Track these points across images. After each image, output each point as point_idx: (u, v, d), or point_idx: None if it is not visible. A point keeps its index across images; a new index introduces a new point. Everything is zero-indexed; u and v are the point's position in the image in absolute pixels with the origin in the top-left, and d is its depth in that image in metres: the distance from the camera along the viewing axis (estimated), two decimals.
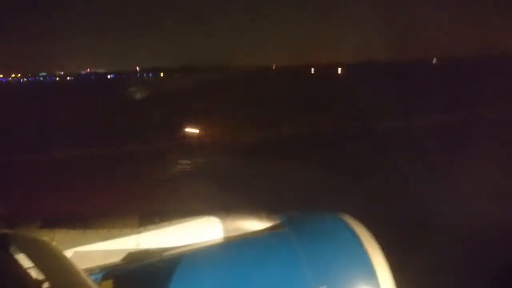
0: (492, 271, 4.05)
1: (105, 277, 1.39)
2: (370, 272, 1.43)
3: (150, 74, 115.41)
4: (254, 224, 1.64)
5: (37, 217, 1.52)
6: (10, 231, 1.26)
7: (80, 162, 9.65)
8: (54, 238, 1.42)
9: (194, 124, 13.97)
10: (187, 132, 12.80)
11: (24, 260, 1.18)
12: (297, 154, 9.44)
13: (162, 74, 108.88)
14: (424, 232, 4.75)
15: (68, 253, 1.40)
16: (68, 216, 1.57)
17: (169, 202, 5.61)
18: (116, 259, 1.48)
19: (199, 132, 12.96)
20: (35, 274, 1.24)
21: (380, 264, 1.45)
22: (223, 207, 1.70)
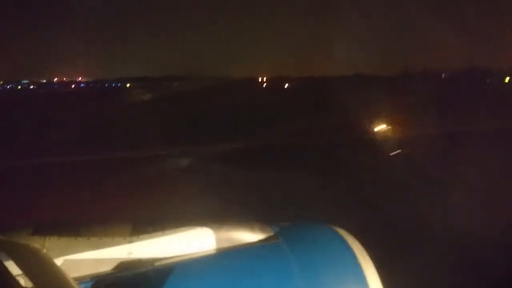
0: (486, 281, 4.09)
1: (95, 286, 1.37)
2: (362, 285, 1.43)
3: (119, 84, 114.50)
4: (248, 235, 1.63)
5: (28, 223, 1.50)
6: None
7: (65, 169, 9.59)
8: (45, 245, 1.40)
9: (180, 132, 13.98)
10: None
11: (13, 267, 1.16)
12: (287, 164, 9.47)
13: (128, 85, 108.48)
14: (417, 243, 4.78)
15: (59, 260, 1.38)
16: (60, 222, 1.55)
17: (161, 211, 5.58)
18: (107, 268, 1.46)
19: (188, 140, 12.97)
20: (24, 281, 1.22)
21: (373, 276, 1.46)
22: (217, 217, 1.69)
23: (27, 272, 1.15)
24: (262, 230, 1.66)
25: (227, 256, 1.54)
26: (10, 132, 16.15)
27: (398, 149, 10.47)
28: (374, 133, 14.26)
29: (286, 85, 73.90)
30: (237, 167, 9.28)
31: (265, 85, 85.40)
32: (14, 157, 10.90)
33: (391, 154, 10.18)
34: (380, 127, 14.86)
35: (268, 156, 10.72)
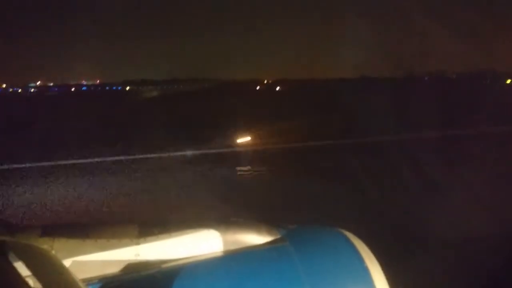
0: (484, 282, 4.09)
1: None
2: None
3: (120, 87, 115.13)
4: (254, 238, 1.63)
5: (37, 224, 1.50)
6: (9, 238, 1.24)
7: (67, 170, 9.63)
8: (53, 247, 1.41)
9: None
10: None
11: (22, 268, 1.16)
12: (293, 166, 9.46)
13: (128, 88, 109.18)
14: (420, 245, 4.77)
15: (67, 262, 1.39)
16: (68, 224, 1.56)
17: (164, 212, 5.59)
18: (114, 269, 1.46)
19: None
20: (32, 283, 1.22)
21: (380, 281, 1.45)
22: (223, 219, 1.68)
23: (35, 273, 1.15)
24: (269, 232, 1.66)
25: (234, 259, 1.53)
26: (12, 134, 16.23)
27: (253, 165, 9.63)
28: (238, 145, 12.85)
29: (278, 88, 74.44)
30: None
31: (259, 88, 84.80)
32: (16, 158, 10.93)
33: (239, 170, 9.31)
34: (246, 139, 13.41)
35: None
